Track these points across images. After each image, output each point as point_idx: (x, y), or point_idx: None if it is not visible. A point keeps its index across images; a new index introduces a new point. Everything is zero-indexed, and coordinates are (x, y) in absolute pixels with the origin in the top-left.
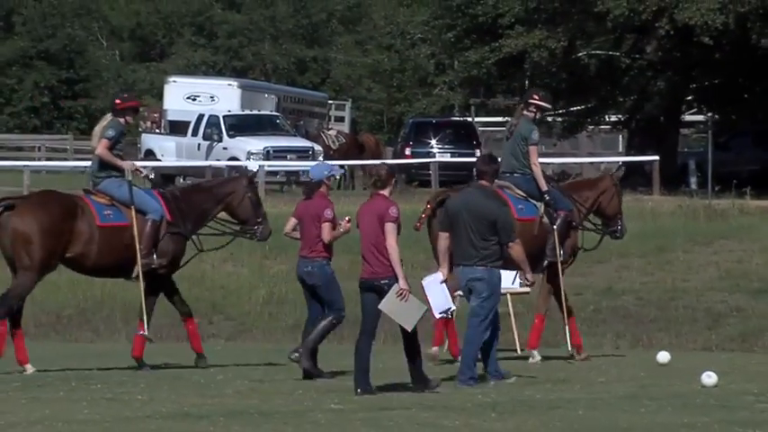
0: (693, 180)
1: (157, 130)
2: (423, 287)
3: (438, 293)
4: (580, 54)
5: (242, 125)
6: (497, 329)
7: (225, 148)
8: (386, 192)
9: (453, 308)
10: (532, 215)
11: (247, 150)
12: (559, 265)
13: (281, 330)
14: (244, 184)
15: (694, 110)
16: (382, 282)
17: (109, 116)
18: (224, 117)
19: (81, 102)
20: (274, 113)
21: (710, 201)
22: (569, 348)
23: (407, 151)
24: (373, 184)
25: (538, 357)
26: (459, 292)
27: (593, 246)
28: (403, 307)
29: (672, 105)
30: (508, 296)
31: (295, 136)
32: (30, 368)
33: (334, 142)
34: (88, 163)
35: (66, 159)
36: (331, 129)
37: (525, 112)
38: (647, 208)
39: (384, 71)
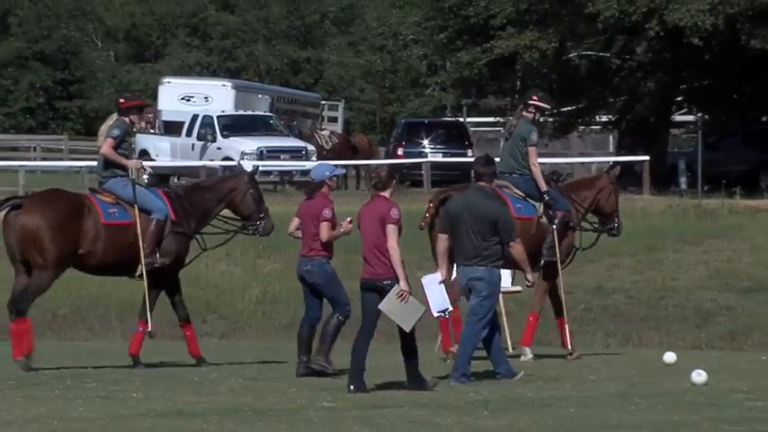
0: (683, 180)
1: (152, 131)
2: (422, 285)
3: (437, 293)
4: (571, 55)
5: (236, 125)
6: (497, 326)
7: (219, 149)
8: (386, 193)
9: (451, 308)
10: (530, 214)
11: (241, 150)
12: (559, 264)
13: (275, 329)
14: (245, 180)
15: (684, 110)
16: (384, 282)
17: (114, 115)
18: (218, 117)
19: (76, 102)
20: (268, 114)
21: (700, 200)
22: (569, 348)
23: (400, 151)
24: (374, 185)
25: (530, 355)
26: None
27: (589, 244)
28: (402, 308)
29: (662, 106)
30: (500, 295)
31: (288, 136)
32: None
33: (327, 142)
34: (83, 163)
35: (61, 159)
36: (324, 129)
37: (524, 113)
38: (638, 207)
39: (376, 72)
